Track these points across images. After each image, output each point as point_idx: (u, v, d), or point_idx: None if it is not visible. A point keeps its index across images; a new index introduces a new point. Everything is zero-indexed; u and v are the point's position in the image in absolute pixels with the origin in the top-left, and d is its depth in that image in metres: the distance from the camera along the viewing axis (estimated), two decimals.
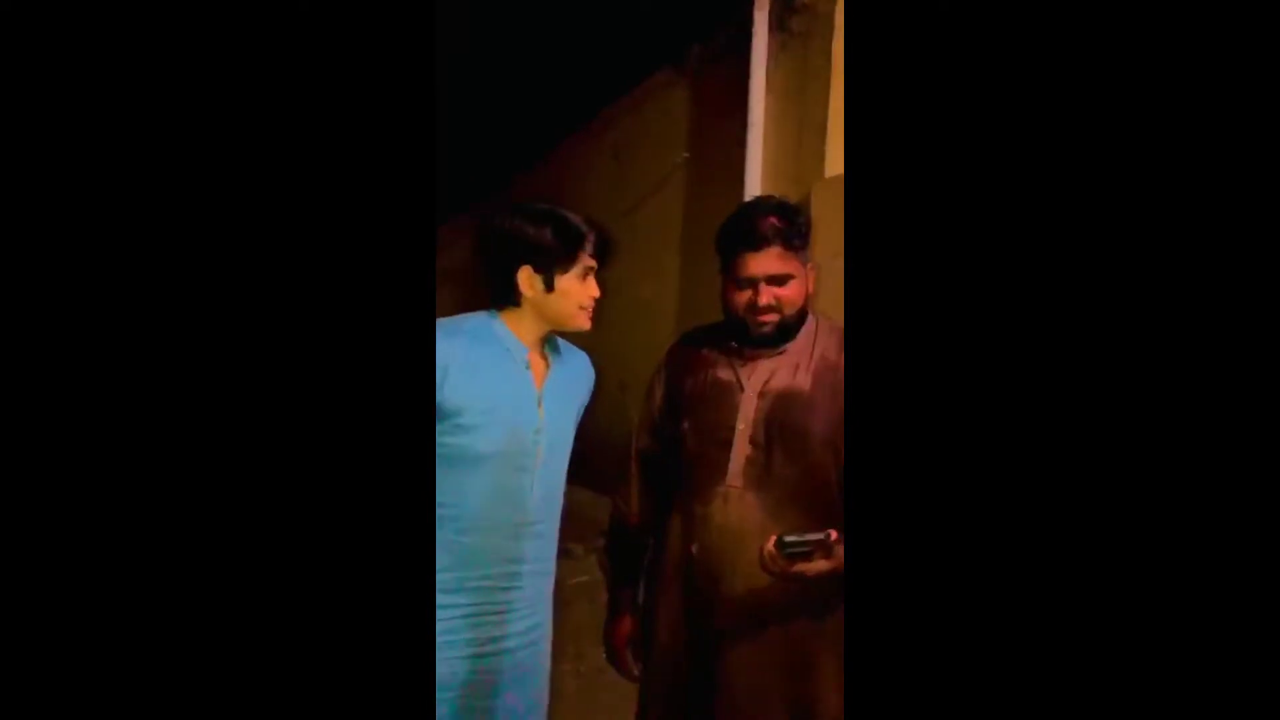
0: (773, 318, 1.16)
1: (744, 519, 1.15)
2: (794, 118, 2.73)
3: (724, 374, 1.21)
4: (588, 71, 3.80)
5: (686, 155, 3.50)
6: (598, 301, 1.17)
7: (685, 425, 1.23)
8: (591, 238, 1.12)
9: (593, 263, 1.13)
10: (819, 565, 1.05)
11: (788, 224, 1.17)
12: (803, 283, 1.18)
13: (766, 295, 1.15)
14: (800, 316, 1.19)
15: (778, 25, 2.72)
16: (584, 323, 1.15)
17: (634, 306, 4.04)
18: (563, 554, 3.76)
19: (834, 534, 1.04)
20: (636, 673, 1.29)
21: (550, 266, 1.09)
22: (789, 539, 1.05)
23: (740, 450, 1.17)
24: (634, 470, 1.34)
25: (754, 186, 2.84)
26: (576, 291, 1.12)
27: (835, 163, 2.52)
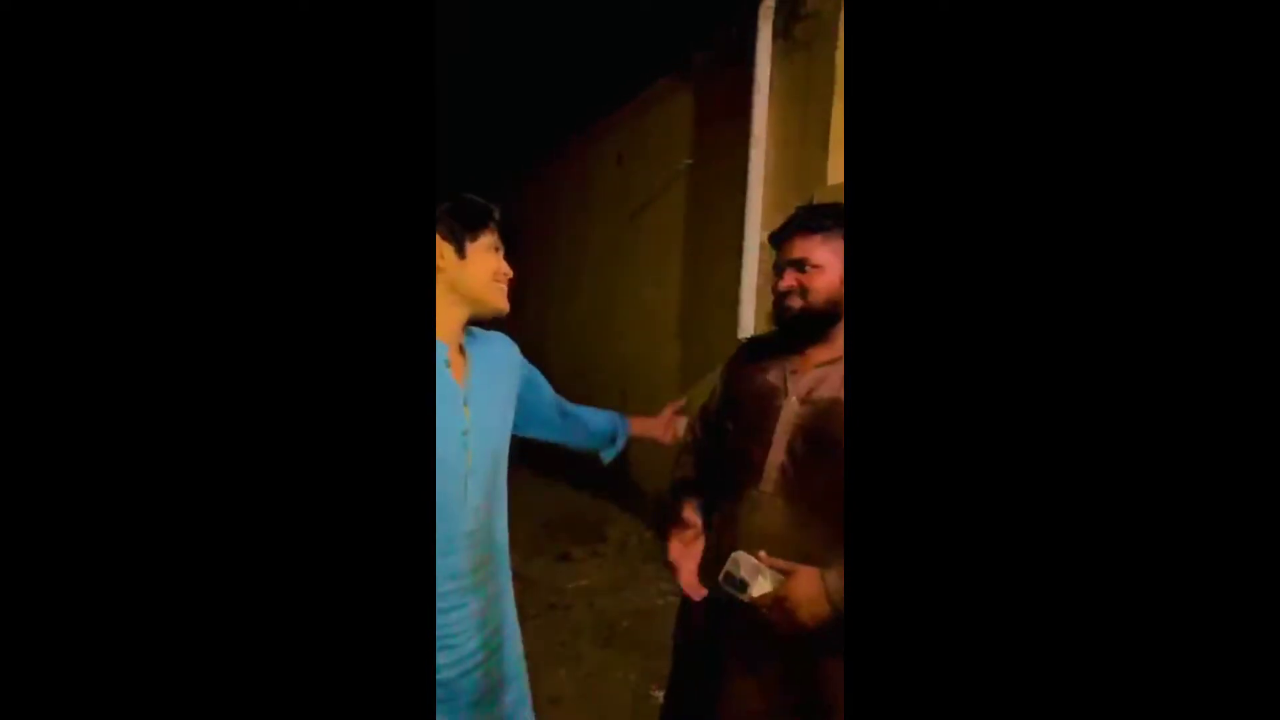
0: (795, 302, 1.18)
1: (769, 524, 1.15)
2: (797, 125, 2.74)
3: (773, 378, 1.22)
4: (592, 77, 3.82)
5: (690, 161, 3.50)
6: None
7: (730, 425, 1.25)
8: (496, 215, 1.12)
9: (498, 241, 1.12)
10: (760, 597, 1.10)
11: (829, 216, 1.19)
12: (835, 278, 1.17)
13: (788, 278, 1.18)
14: (833, 311, 1.18)
15: (782, 33, 2.72)
16: (501, 301, 1.11)
17: (636, 311, 4.04)
18: (563, 558, 3.73)
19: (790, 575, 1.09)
20: (698, 597, 1.22)
21: (460, 234, 1.08)
22: (738, 565, 1.10)
23: (776, 456, 1.17)
24: (689, 448, 1.37)
25: (756, 193, 2.85)
26: (489, 261, 1.10)
27: (838, 171, 2.53)
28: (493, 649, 1.12)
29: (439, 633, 1.04)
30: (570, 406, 1.37)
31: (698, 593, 1.20)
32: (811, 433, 1.15)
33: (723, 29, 3.02)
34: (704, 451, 1.35)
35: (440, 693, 1.05)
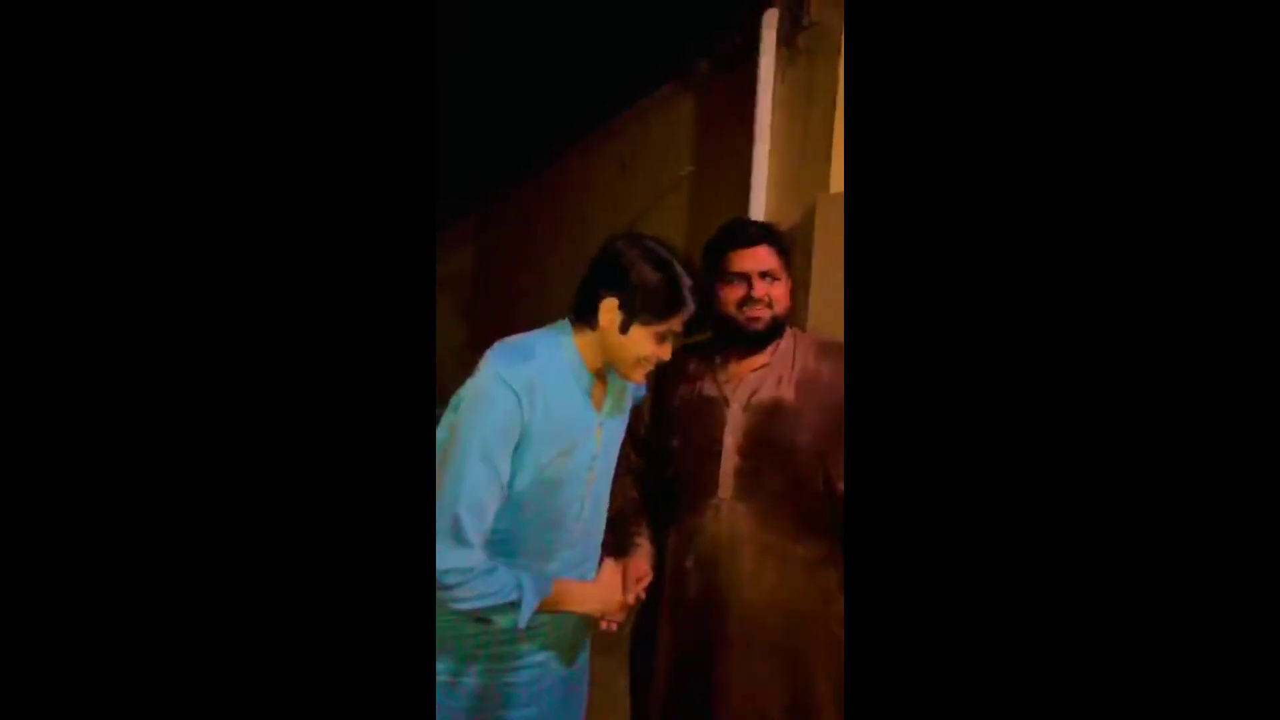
0: (764, 313, 1.22)
1: (735, 528, 1.20)
2: (799, 133, 2.74)
3: (709, 389, 1.27)
4: (595, 82, 3.83)
5: (692, 168, 3.51)
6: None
7: (675, 442, 1.29)
8: (690, 309, 1.11)
9: (679, 330, 1.12)
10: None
11: (771, 231, 1.28)
12: (788, 287, 1.22)
13: (761, 288, 1.21)
14: (787, 320, 1.24)
15: (785, 42, 2.73)
16: (639, 378, 1.14)
17: None
18: None
19: None
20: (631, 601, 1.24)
21: (635, 312, 1.07)
22: None
23: (728, 463, 1.22)
24: (630, 488, 1.36)
25: (759, 200, 2.85)
26: (647, 346, 1.10)
27: (839, 177, 2.54)
28: (556, 661, 1.17)
29: (526, 629, 1.07)
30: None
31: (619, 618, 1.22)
32: (757, 435, 1.20)
33: (726, 37, 3.03)
34: (641, 474, 1.36)
35: (522, 675, 1.09)
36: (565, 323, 1.15)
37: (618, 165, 4.30)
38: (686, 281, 1.11)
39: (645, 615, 1.34)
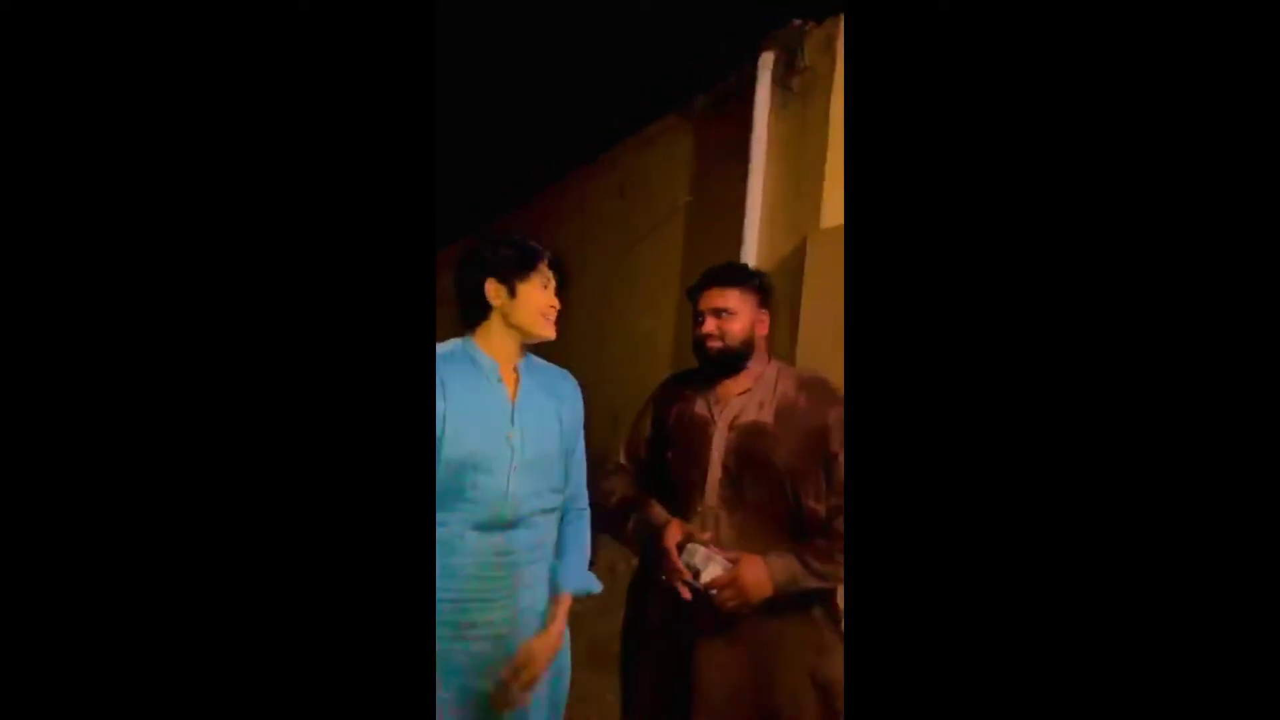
0: (715, 344, 1.39)
1: (718, 533, 1.35)
2: (792, 170, 2.85)
3: (700, 410, 1.43)
4: (597, 112, 3.94)
5: (689, 198, 3.61)
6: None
7: (670, 454, 1.44)
8: (547, 255, 1.28)
9: (550, 275, 1.28)
10: (712, 579, 1.26)
11: (742, 274, 1.43)
12: (747, 323, 1.39)
13: (709, 324, 1.39)
14: (745, 350, 1.39)
15: (779, 82, 2.84)
16: (549, 330, 1.29)
17: (631, 340, 4.12)
18: None
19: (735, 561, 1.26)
20: (689, 577, 1.30)
21: (511, 276, 1.24)
22: (693, 554, 1.26)
23: (714, 476, 1.37)
24: (620, 475, 1.52)
25: (752, 231, 2.94)
26: (537, 298, 1.26)
27: (830, 214, 2.64)
28: (510, 628, 1.23)
29: (467, 592, 1.18)
30: (581, 505, 1.39)
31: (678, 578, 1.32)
32: (740, 452, 1.35)
33: (723, 76, 3.14)
34: (634, 478, 1.51)
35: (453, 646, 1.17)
36: (465, 337, 1.31)
37: (616, 192, 4.40)
38: (530, 240, 1.31)
39: (640, 608, 1.48)
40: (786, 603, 1.28)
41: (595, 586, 1.36)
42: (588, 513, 1.41)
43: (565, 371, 1.40)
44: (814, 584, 1.28)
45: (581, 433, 1.39)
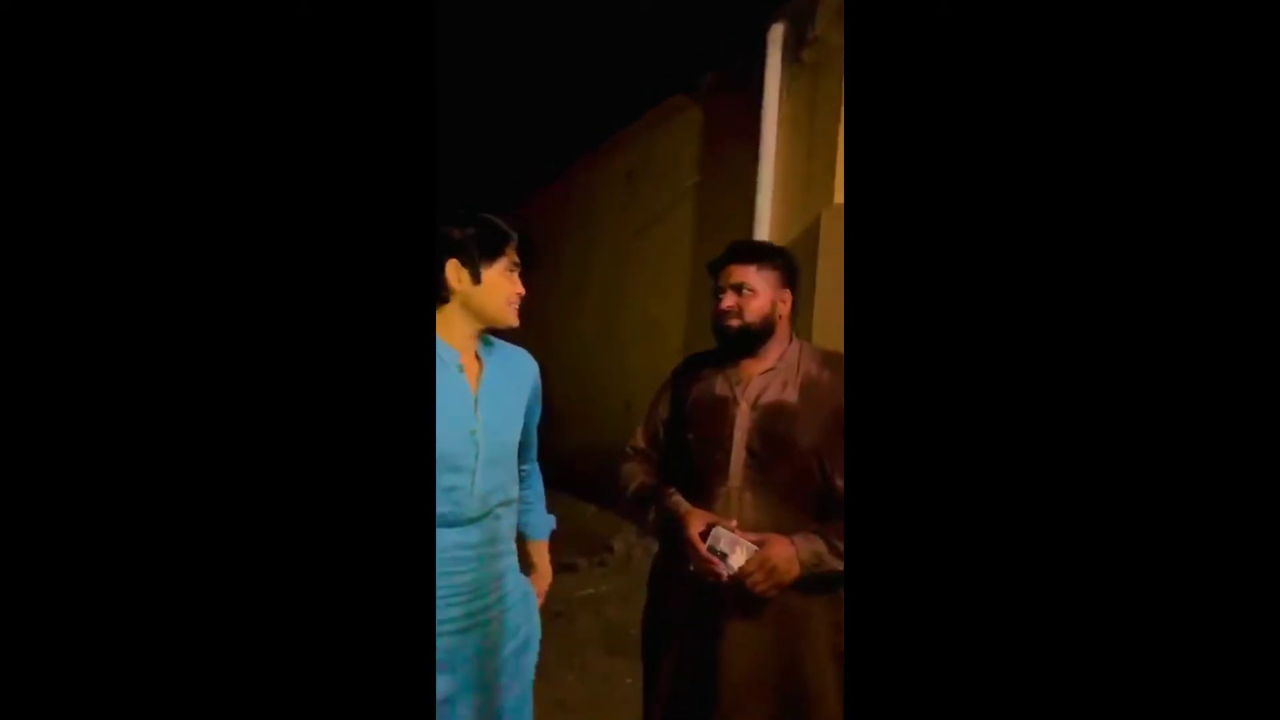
0: (734, 322, 1.34)
1: (742, 514, 1.31)
2: (804, 146, 2.79)
3: (721, 390, 1.38)
4: (603, 94, 3.89)
5: (698, 179, 3.56)
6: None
7: (690, 435, 1.39)
8: (515, 238, 1.20)
9: (517, 260, 1.19)
10: (735, 567, 1.24)
11: (765, 251, 1.38)
12: (767, 301, 1.34)
13: (729, 299, 1.34)
14: (765, 329, 1.35)
15: (790, 56, 2.79)
16: (512, 318, 1.20)
17: (641, 325, 4.10)
18: (568, 568, 3.78)
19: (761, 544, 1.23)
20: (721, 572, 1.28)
21: (475, 260, 1.16)
22: (718, 539, 1.24)
23: (738, 456, 1.33)
24: (639, 461, 1.48)
25: (764, 211, 2.90)
26: (503, 285, 1.18)
27: (844, 190, 2.59)
28: (487, 620, 1.22)
29: (441, 592, 1.15)
30: (532, 460, 1.41)
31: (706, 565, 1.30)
32: (764, 432, 1.32)
33: (732, 52, 3.09)
34: (653, 462, 1.47)
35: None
36: None
37: (624, 175, 4.36)
38: (500, 221, 1.22)
39: (663, 590, 1.44)
40: (811, 582, 1.26)
41: (553, 523, 1.45)
42: (537, 465, 1.42)
43: (523, 350, 1.34)
44: (838, 564, 1.25)
45: (540, 401, 1.36)
